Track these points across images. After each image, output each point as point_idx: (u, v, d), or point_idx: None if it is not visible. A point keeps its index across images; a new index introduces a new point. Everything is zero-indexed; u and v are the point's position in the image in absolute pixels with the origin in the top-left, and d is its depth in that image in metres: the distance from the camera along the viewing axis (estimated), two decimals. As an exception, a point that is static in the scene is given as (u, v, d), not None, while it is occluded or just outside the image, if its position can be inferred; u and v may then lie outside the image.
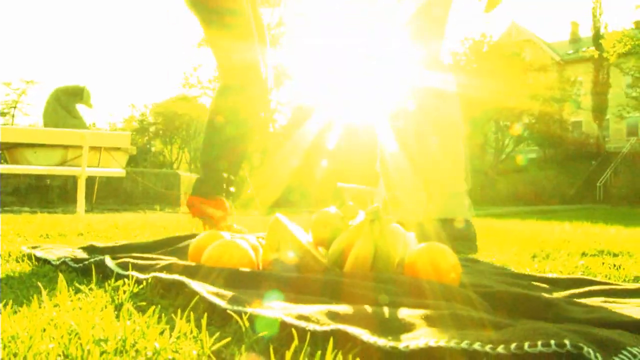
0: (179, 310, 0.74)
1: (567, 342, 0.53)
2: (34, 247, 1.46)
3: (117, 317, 0.74)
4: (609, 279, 1.35)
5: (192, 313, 0.73)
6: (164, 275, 0.95)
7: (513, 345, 0.55)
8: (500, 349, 0.55)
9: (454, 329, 0.64)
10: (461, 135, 1.94)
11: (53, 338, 0.62)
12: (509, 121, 24.25)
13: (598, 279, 1.25)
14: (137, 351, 0.59)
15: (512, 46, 26.19)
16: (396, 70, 2.04)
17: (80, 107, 9.63)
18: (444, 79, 1.92)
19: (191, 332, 0.67)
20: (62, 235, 2.14)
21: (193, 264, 1.08)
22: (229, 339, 0.63)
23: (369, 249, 1.02)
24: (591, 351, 0.53)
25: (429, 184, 1.91)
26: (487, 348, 0.55)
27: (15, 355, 0.57)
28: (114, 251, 1.44)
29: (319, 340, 0.63)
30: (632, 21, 26.63)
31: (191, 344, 0.63)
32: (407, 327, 0.65)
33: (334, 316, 0.68)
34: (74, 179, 6.41)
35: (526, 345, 0.54)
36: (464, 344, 0.56)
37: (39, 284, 0.97)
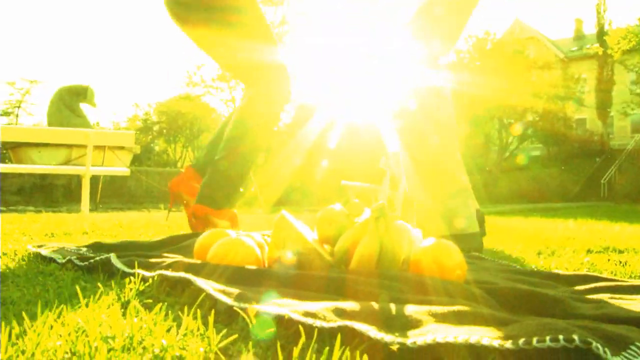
0: (185, 308, 0.75)
1: (575, 337, 0.53)
2: (39, 246, 1.46)
3: (124, 314, 0.74)
4: (615, 275, 1.35)
5: (198, 310, 0.73)
6: (169, 272, 0.95)
7: (521, 341, 0.54)
8: (508, 344, 0.55)
9: (460, 325, 0.64)
10: (456, 134, 1.96)
11: (60, 335, 0.62)
12: (513, 119, 24.14)
13: (604, 275, 1.25)
14: (144, 348, 0.59)
15: (515, 43, 26.01)
16: (397, 70, 2.04)
17: (84, 107, 9.63)
18: (443, 78, 1.92)
19: (198, 329, 0.67)
20: (67, 234, 2.15)
21: (198, 261, 1.08)
22: (235, 336, 0.63)
23: (374, 246, 1.01)
24: (600, 346, 0.53)
25: (430, 184, 1.91)
26: (495, 343, 0.55)
27: (23, 352, 0.57)
28: (118, 249, 1.45)
29: (326, 336, 0.63)
30: (636, 17, 26.51)
31: (198, 341, 0.63)
32: (414, 324, 0.65)
33: (340, 313, 0.68)
34: (78, 178, 6.43)
35: (534, 340, 0.54)
36: (471, 340, 0.56)
37: (46, 282, 0.97)
